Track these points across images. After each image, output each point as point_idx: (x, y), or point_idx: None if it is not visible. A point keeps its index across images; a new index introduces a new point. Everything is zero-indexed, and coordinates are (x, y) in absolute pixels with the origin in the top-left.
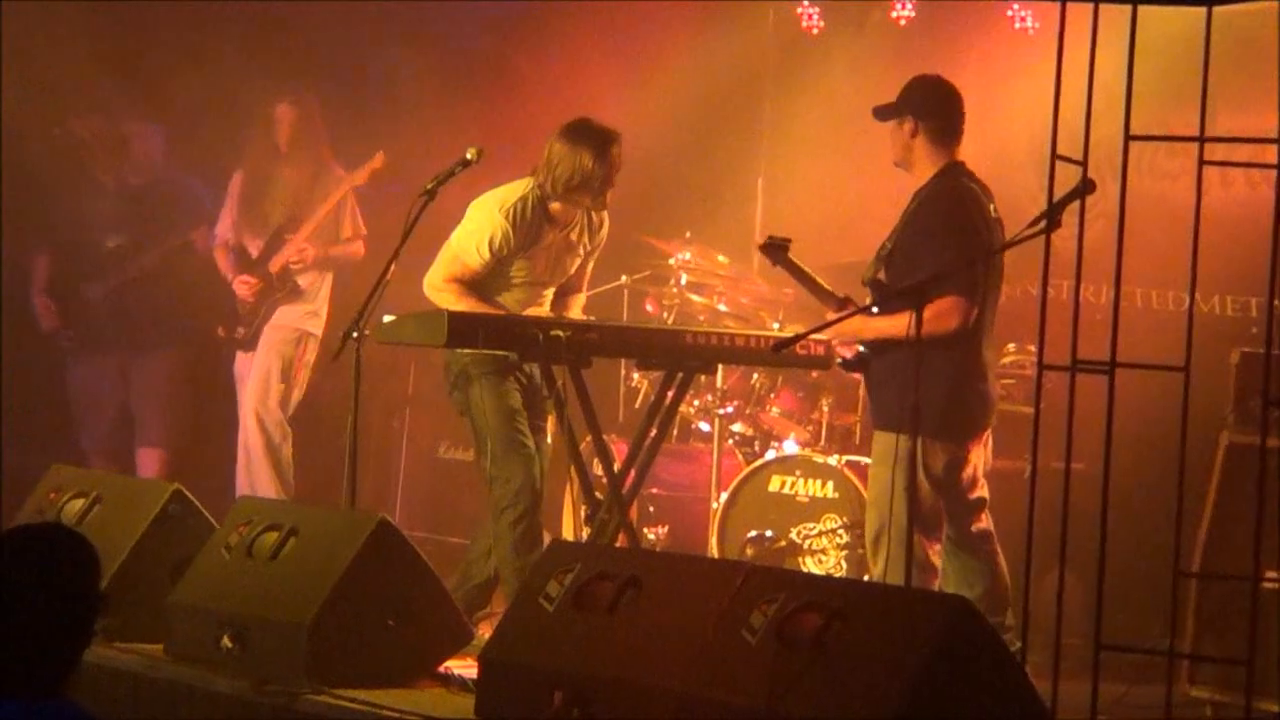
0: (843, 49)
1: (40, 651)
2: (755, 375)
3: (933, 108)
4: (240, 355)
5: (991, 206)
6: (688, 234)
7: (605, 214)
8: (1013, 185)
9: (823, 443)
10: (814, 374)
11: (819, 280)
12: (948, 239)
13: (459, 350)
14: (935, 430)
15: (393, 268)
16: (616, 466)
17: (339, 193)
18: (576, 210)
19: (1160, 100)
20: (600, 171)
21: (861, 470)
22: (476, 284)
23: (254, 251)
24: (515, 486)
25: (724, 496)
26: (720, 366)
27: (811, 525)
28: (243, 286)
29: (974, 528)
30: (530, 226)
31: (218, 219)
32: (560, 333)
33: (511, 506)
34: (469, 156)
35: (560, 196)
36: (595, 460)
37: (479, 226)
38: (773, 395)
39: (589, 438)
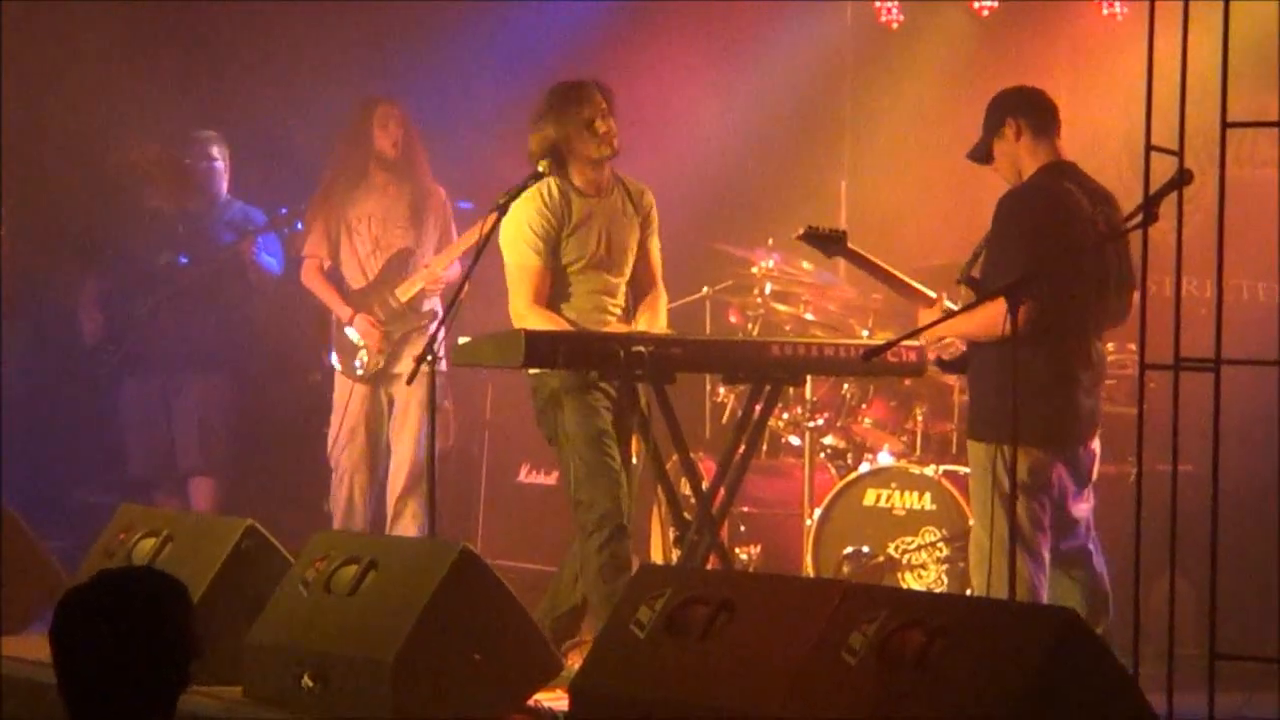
0: (924, 43)
1: (141, 697)
2: (846, 385)
3: (1025, 105)
4: (356, 388)
5: (1099, 210)
6: (770, 241)
7: (646, 189)
8: (1107, 178)
9: (918, 453)
10: (907, 382)
11: (899, 275)
12: (1021, 239)
13: (544, 372)
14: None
15: (466, 286)
16: (705, 485)
17: (486, 224)
18: (602, 175)
19: (1257, 85)
20: (575, 118)
21: (960, 480)
22: (554, 294)
23: (356, 275)
24: (601, 511)
25: (818, 513)
26: (809, 378)
27: (910, 539)
28: (367, 324)
29: (1064, 545)
30: (562, 202)
31: (302, 239)
32: (642, 348)
33: (597, 530)
34: (540, 170)
35: (568, 167)
36: (683, 480)
37: (518, 227)
38: (864, 406)
39: (675, 456)
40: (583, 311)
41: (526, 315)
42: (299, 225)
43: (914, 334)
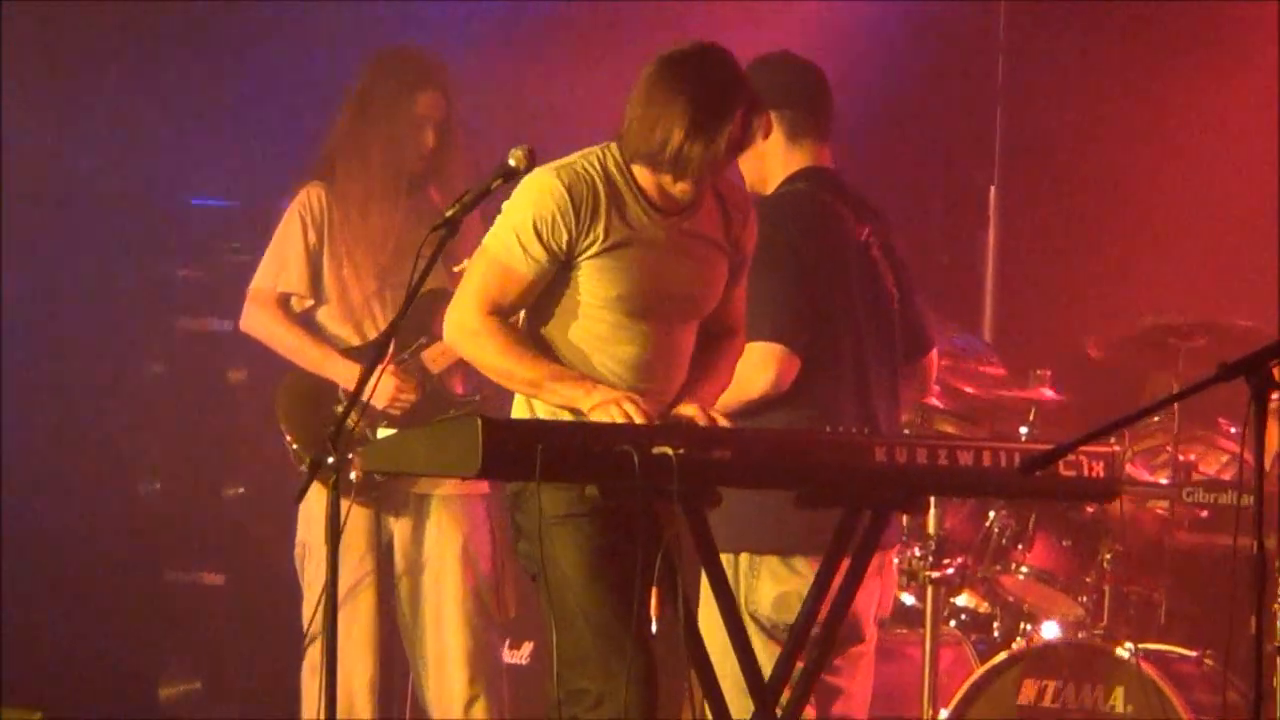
0: None
1: None
2: (992, 514)
3: (788, 91)
4: (352, 511)
5: (866, 231)
6: None
7: (750, 204)
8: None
9: (1106, 622)
10: (1090, 510)
11: None
12: (764, 267)
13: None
14: (758, 543)
15: (392, 346)
16: (766, 671)
17: (425, 249)
18: (691, 185)
19: None
20: (705, 138)
21: (1173, 668)
22: (538, 319)
23: (343, 327)
24: (612, 713)
25: (944, 715)
26: (933, 500)
27: None
28: (403, 392)
29: None
30: (605, 195)
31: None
32: (669, 450)
33: None
34: (512, 163)
35: (645, 162)
36: (729, 657)
37: (521, 201)
38: (1021, 547)
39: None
40: (638, 371)
41: (473, 329)
42: None
43: (1099, 435)
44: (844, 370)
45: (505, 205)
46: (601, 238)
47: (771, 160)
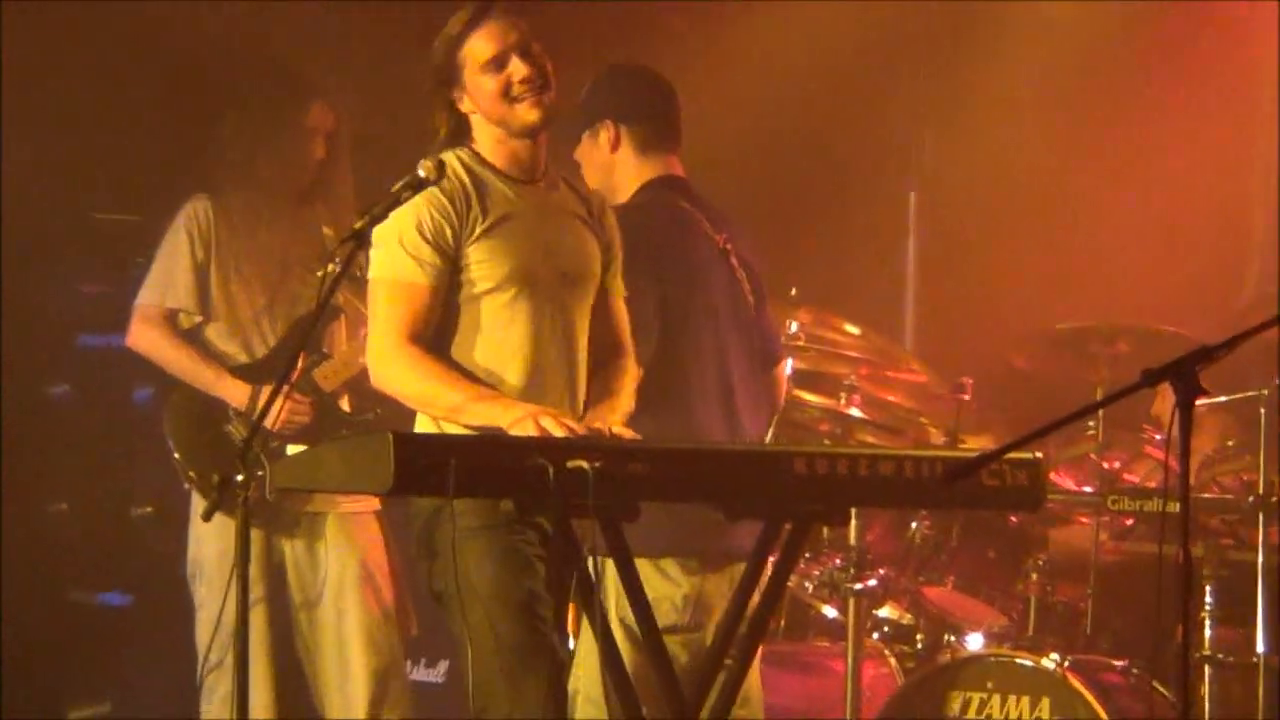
0: None
1: None
2: (915, 525)
3: (638, 105)
4: (200, 524)
5: (723, 237)
6: (794, 291)
7: (602, 194)
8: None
9: (1031, 633)
10: (1014, 520)
11: None
12: (625, 274)
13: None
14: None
15: (300, 361)
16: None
17: (334, 260)
18: (534, 150)
19: None
20: (467, 55)
21: (1097, 679)
22: (449, 331)
23: (232, 344)
24: None
25: None
26: (855, 511)
27: None
28: (298, 410)
29: None
30: (470, 184)
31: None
32: (584, 464)
33: None
34: (422, 174)
35: (475, 135)
36: (647, 675)
37: (394, 223)
38: (945, 558)
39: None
40: (540, 365)
41: (393, 360)
42: None
43: (1009, 449)
44: (709, 377)
45: (378, 232)
46: (481, 219)
47: (622, 172)
